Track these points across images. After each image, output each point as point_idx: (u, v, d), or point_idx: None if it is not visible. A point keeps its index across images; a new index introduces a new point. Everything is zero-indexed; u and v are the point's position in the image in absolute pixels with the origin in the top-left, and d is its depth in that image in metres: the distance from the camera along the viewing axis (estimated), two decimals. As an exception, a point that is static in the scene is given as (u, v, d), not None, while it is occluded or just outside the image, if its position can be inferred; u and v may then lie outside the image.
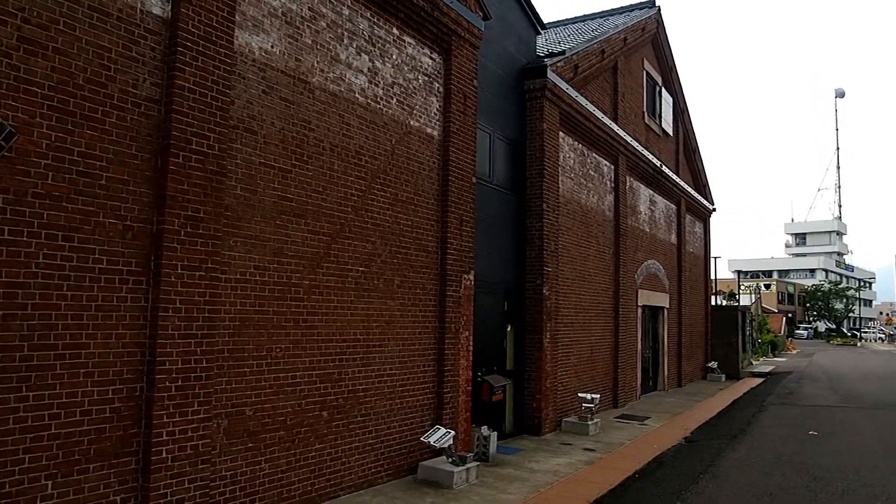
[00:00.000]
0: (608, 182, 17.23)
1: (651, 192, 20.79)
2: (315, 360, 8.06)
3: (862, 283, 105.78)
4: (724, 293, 53.33)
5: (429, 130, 10.18)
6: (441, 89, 10.44)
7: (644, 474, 10.04)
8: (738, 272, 54.70)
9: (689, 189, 24.29)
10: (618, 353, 17.13)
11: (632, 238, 18.78)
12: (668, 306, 21.98)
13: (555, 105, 13.94)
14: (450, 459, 9.27)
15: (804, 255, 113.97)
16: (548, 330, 13.32)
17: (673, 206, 23.19)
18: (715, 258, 35.59)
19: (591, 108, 15.42)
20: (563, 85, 14.12)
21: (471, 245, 10.80)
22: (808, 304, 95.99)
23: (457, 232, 10.47)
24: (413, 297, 9.69)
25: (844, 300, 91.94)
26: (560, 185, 14.39)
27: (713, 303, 30.66)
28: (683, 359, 23.30)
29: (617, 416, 15.58)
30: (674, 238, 23.17)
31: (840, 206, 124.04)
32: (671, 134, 23.11)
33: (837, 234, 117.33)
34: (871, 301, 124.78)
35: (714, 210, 28.24)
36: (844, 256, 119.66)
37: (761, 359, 37.78)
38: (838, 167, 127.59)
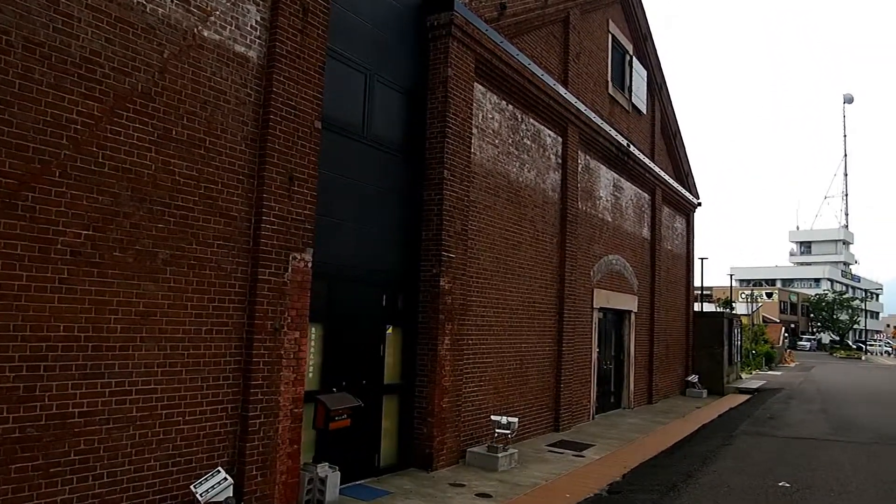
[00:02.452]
0: (553, 156, 14.23)
1: (616, 175, 17.78)
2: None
3: (868, 294, 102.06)
4: (719, 300, 50.26)
5: (239, 48, 7.21)
6: (264, -7, 7.49)
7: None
8: (732, 276, 51.41)
9: (667, 177, 21.26)
10: (561, 365, 14.10)
11: (586, 226, 15.77)
12: (635, 310, 18.93)
13: (468, 49, 10.95)
14: (229, 520, 6.30)
15: (809, 263, 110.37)
16: (447, 334, 10.32)
17: (646, 195, 20.16)
18: (701, 259, 32.52)
19: (524, 60, 12.43)
20: (481, 25, 11.13)
21: (308, 214, 7.83)
22: (811, 315, 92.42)
23: (283, 194, 7.49)
24: (197, 279, 6.72)
25: (849, 311, 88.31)
26: (475, 151, 11.40)
27: (698, 309, 27.66)
28: (656, 372, 20.24)
29: (552, 444, 12.56)
30: (646, 232, 20.13)
31: (847, 215, 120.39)
32: (644, 112, 20.09)
33: (844, 244, 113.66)
34: (877, 313, 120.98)
35: (699, 204, 25.18)
36: (851, 266, 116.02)
37: (753, 372, 34.56)
38: (846, 174, 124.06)
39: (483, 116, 11.70)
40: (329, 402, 7.71)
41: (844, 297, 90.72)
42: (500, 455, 10.33)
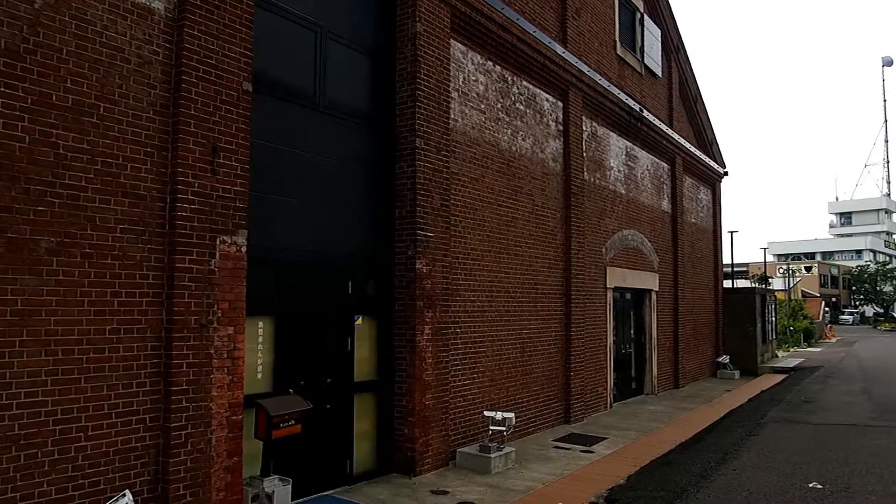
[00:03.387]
0: (552, 123, 12.97)
1: (628, 143, 16.42)
2: None
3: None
4: (755, 276, 48.35)
5: (142, -3, 6.14)
6: (172, -67, 6.39)
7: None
8: (766, 250, 49.29)
9: (688, 145, 19.78)
10: (570, 351, 12.90)
11: (595, 199, 14.49)
12: (656, 289, 17.59)
13: (441, 1, 9.75)
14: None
15: (850, 235, 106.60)
16: (427, 322, 9.20)
17: (664, 164, 18.73)
18: (731, 233, 30.85)
19: (511, 14, 11.18)
20: (457, -26, 9.93)
21: (239, 191, 6.74)
22: (853, 288, 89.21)
23: (204, 168, 6.42)
24: (95, 271, 5.69)
25: (893, 282, 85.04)
26: (456, 117, 10.23)
27: (728, 285, 26.16)
28: (682, 354, 18.88)
29: (560, 438, 11.41)
30: (666, 205, 18.72)
31: (889, 183, 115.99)
32: (659, 75, 18.63)
33: (886, 213, 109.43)
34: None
35: (725, 174, 23.62)
36: (894, 236, 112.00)
37: (791, 350, 32.82)
38: (886, 141, 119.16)
39: (464, 79, 10.50)
40: (271, 406, 6.65)
41: (888, 267, 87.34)
42: (493, 455, 9.19)
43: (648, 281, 17.13)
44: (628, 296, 16.71)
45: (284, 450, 7.19)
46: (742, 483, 8.36)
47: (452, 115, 10.15)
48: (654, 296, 17.49)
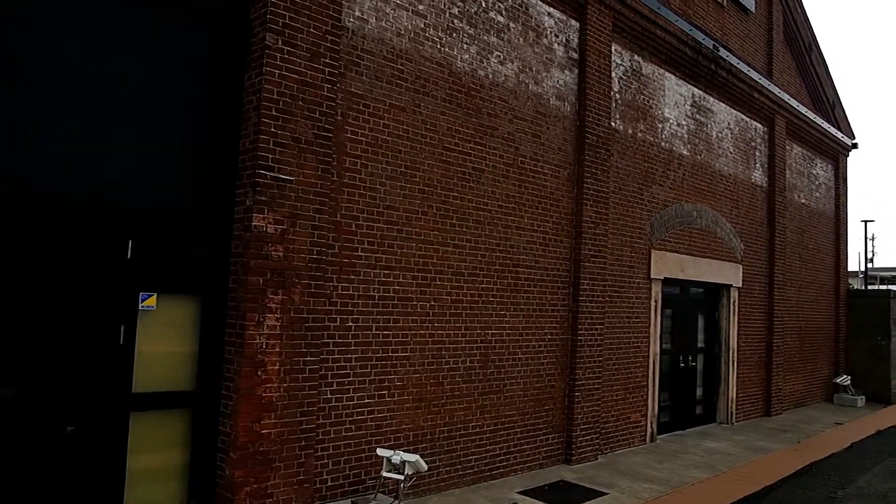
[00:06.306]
0: (558, 46, 9.37)
1: (697, 91, 12.38)
2: None
3: None
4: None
5: None
6: None
7: None
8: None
9: (794, 103, 15.25)
10: (575, 362, 9.27)
11: (633, 158, 10.69)
12: (738, 285, 13.37)
13: None
14: None
15: None
16: (273, 310, 6.05)
17: (757, 124, 14.39)
18: (865, 222, 25.07)
19: None
20: None
21: None
22: None
23: None
24: None
25: None
26: (362, 15, 6.98)
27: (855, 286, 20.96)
28: (777, 370, 14.47)
29: (532, 490, 7.91)
30: (758, 176, 14.37)
31: None
32: (752, 10, 14.31)
33: None
34: None
35: (854, 146, 18.59)
36: None
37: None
38: None
39: (381, -41, 7.22)
40: None
41: None
42: (369, 522, 5.90)
43: (725, 273, 12.97)
44: (694, 291, 12.67)
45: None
46: None
47: (357, 12, 6.93)
48: (734, 293, 13.27)
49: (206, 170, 6.19)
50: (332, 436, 6.63)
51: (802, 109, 15.63)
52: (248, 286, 5.92)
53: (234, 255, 6.12)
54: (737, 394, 13.24)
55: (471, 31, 8.14)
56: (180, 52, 6.08)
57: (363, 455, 6.84)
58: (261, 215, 5.99)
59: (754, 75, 13.59)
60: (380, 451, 6.42)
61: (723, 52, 12.49)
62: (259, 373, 5.94)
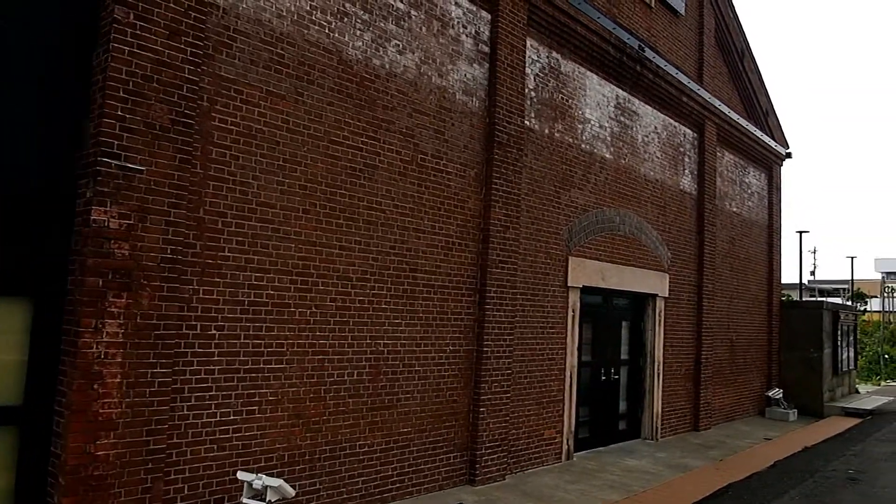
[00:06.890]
0: (466, 38, 8.83)
1: (622, 93, 11.98)
2: None
3: None
4: (846, 294, 41.64)
5: None
6: None
7: None
8: (853, 259, 42.25)
9: (726, 109, 15.02)
10: (480, 375, 8.67)
11: (549, 160, 10.20)
12: (664, 294, 12.98)
13: None
14: None
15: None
16: (115, 315, 5.30)
17: (687, 130, 14.09)
18: (800, 233, 25.12)
19: None
20: None
21: None
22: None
23: None
24: None
25: None
26: (225, -13, 6.32)
27: (791, 298, 20.93)
28: (707, 384, 14.12)
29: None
30: (687, 183, 14.05)
31: None
32: (681, 12, 14.03)
33: None
34: None
35: (787, 156, 18.51)
36: None
37: (882, 384, 26.68)
38: None
39: (255, -69, 6.57)
40: None
41: None
42: (213, 557, 5.17)
43: (651, 282, 12.56)
44: (618, 301, 12.22)
45: None
46: None
47: (224, -15, 6.26)
48: (660, 303, 12.88)
49: (47, 159, 5.44)
50: (189, 456, 5.91)
51: (734, 116, 15.42)
52: (86, 287, 5.18)
53: (73, 253, 5.38)
54: (663, 408, 12.82)
55: (365, 17, 7.53)
56: (23, 28, 5.34)
57: (226, 478, 6.13)
58: (102, 208, 5.26)
59: (683, 79, 13.28)
60: (240, 475, 5.71)
61: (649, 53, 12.13)
62: (95, 386, 5.19)
